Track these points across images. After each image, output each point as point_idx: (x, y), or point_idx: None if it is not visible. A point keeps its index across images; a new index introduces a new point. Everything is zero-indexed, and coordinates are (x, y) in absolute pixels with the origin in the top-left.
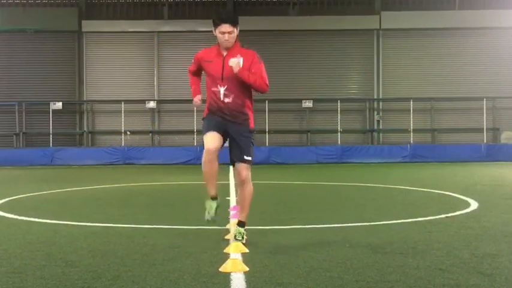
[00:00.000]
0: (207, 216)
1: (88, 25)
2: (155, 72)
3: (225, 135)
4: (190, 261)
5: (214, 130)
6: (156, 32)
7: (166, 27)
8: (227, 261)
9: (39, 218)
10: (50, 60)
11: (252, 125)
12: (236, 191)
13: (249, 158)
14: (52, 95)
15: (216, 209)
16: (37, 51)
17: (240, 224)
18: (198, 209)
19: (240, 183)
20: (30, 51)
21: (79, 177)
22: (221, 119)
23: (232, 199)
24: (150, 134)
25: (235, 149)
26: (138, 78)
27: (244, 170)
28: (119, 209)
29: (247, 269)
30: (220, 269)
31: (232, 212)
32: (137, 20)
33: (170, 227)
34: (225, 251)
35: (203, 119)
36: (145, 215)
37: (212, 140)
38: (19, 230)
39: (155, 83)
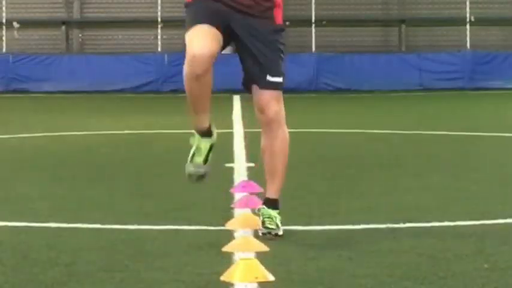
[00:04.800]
0: (191, 168)
1: None
2: None
3: (226, 34)
4: None
5: (206, 22)
6: None
7: None
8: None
9: None
10: None
11: (279, 19)
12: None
13: (278, 80)
14: None
15: (209, 152)
16: None
17: (271, 202)
18: (167, 186)
19: (265, 127)
20: None
21: None
22: (221, 5)
23: (239, 168)
24: (64, 28)
25: (251, 63)
26: None
27: (272, 101)
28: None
29: None
30: None
31: (238, 195)
32: None
33: (100, 226)
34: (226, 279)
35: (187, 4)
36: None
37: (203, 39)
38: None
39: None
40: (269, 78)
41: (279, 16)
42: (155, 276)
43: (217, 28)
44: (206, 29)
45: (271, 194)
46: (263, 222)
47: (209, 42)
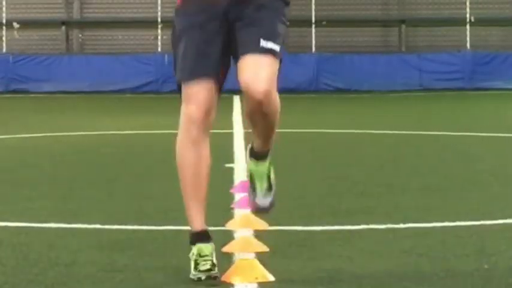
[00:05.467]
0: (196, 273)
1: None
2: None
3: (227, 53)
4: None
5: (204, 71)
6: None
7: None
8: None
9: None
10: None
11: None
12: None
13: (274, 46)
14: None
15: (210, 257)
16: None
17: (257, 154)
18: (167, 186)
19: (254, 106)
20: None
21: None
22: (219, 21)
23: (239, 168)
24: (64, 28)
25: (243, 32)
26: None
27: (261, 75)
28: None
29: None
30: None
31: (238, 195)
32: None
33: (100, 226)
34: (226, 279)
35: (177, 12)
36: (51, 202)
37: (202, 98)
38: None
39: None
40: (263, 43)
41: None
42: (155, 276)
43: (216, 72)
44: (204, 82)
45: (258, 146)
46: (250, 172)
47: (208, 101)
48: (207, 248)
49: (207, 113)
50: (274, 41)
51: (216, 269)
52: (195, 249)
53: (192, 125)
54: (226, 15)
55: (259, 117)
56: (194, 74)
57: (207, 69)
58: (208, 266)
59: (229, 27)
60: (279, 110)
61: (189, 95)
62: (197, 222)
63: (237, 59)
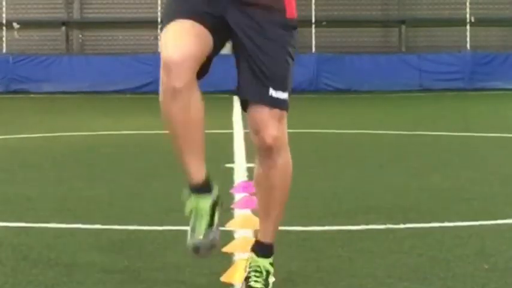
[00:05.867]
0: (195, 240)
1: None
2: None
3: (221, 30)
4: None
5: (188, 16)
6: None
7: None
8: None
9: None
10: None
11: (292, 10)
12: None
13: (283, 96)
14: None
15: (213, 213)
16: None
17: (262, 248)
18: (167, 186)
19: (261, 153)
20: None
21: None
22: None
23: (239, 168)
24: (64, 28)
25: (248, 68)
26: None
27: (272, 123)
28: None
29: None
30: None
31: (238, 195)
32: None
33: (100, 226)
34: (225, 279)
35: None
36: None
37: (182, 39)
38: None
39: None
40: (272, 92)
41: (291, 6)
42: (155, 276)
43: (204, 24)
44: (188, 26)
45: (265, 236)
46: (247, 278)
47: (191, 44)
48: (204, 202)
49: (189, 58)
50: (284, 89)
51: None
52: (197, 201)
53: (172, 74)
54: (225, 12)
55: (267, 165)
56: (180, 15)
57: (195, 15)
58: (204, 228)
59: (222, 13)
60: (290, 168)
61: (169, 35)
62: (197, 173)
63: (238, 82)
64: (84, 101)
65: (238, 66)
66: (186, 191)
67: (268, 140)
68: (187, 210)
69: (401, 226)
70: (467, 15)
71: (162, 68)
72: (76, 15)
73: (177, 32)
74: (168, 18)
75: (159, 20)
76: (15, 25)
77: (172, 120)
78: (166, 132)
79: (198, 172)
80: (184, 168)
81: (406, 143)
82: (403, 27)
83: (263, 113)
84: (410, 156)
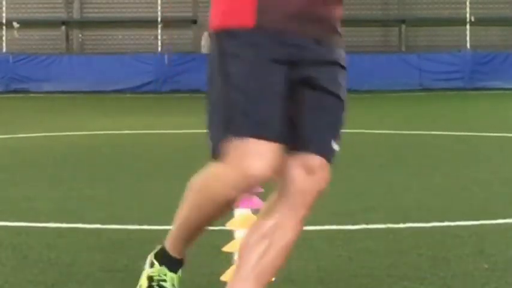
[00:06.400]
0: None
1: None
2: None
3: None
4: None
5: (273, 129)
6: None
7: None
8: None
9: None
10: None
11: (340, 39)
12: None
13: (338, 148)
14: None
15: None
16: None
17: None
18: (167, 186)
19: (301, 202)
20: None
21: None
22: (301, 48)
23: None
24: (64, 28)
25: (318, 119)
26: None
27: (326, 167)
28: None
29: None
30: None
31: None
32: None
33: (100, 226)
34: (226, 279)
35: (224, 49)
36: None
37: (265, 156)
38: None
39: None
40: (334, 145)
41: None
42: None
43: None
44: (272, 145)
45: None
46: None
47: (272, 162)
48: (172, 277)
49: (266, 176)
50: (339, 141)
51: None
52: (167, 273)
53: (246, 186)
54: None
55: (284, 219)
56: (263, 128)
57: (278, 123)
58: None
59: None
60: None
61: (251, 149)
62: (184, 250)
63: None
64: (84, 101)
65: (299, 118)
66: (159, 260)
67: (323, 183)
68: (144, 277)
69: (401, 226)
70: (467, 15)
71: (234, 177)
72: (76, 14)
73: (261, 149)
74: (247, 120)
75: (159, 19)
76: (15, 24)
77: (205, 215)
78: (194, 202)
79: (186, 248)
80: (186, 238)
81: (406, 142)
82: (403, 26)
83: (317, 159)
84: (410, 156)
